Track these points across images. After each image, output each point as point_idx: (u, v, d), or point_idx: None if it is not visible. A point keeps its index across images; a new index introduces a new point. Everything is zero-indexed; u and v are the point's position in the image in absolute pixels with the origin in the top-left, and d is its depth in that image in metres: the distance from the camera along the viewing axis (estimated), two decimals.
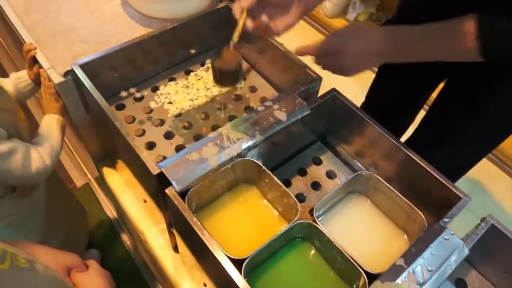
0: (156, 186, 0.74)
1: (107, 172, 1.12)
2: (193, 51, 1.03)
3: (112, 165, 1.12)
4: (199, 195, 0.74)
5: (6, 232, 0.95)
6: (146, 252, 1.11)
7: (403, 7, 1.04)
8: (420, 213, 0.73)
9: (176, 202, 0.68)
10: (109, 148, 1.11)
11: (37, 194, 0.99)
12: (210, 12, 1.02)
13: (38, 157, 0.84)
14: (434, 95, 1.17)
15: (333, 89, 0.89)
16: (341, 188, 0.78)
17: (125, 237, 1.56)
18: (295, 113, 0.82)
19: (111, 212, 1.62)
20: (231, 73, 0.88)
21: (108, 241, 1.56)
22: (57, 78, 0.88)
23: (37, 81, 0.95)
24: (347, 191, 0.82)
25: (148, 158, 0.72)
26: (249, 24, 0.76)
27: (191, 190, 0.71)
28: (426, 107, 1.26)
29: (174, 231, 0.88)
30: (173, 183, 0.69)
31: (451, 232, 0.68)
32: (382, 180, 0.77)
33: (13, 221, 0.94)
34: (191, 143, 0.93)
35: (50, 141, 0.89)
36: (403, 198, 0.75)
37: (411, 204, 0.74)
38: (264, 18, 0.76)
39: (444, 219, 0.71)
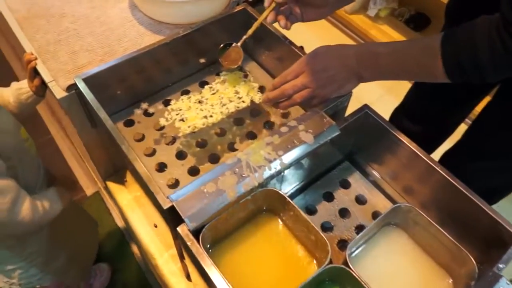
0: (167, 219, 0.66)
1: (115, 188, 1.04)
2: (207, 60, 0.94)
3: (121, 181, 1.04)
4: (215, 229, 0.66)
5: (2, 256, 0.88)
6: (157, 276, 1.04)
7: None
8: (470, 256, 0.63)
9: (189, 243, 0.60)
10: (118, 163, 1.04)
11: None
12: (226, 16, 0.92)
13: (29, 210, 0.76)
14: (478, 108, 1.08)
15: (365, 106, 0.79)
16: (376, 223, 0.69)
17: (136, 249, 1.48)
18: (323, 134, 0.72)
19: (121, 222, 1.55)
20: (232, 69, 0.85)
21: (118, 253, 1.49)
22: (59, 93, 0.80)
23: (39, 92, 0.87)
24: (382, 224, 0.73)
25: (159, 190, 0.64)
26: (270, 17, 0.78)
27: (206, 226, 0.63)
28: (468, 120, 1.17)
29: (186, 261, 0.80)
30: (186, 220, 0.61)
31: (507, 281, 0.59)
32: (424, 215, 0.68)
33: (10, 244, 0.87)
34: (205, 163, 0.84)
35: (50, 208, 0.84)
36: (449, 236, 0.65)
37: (459, 245, 0.64)
38: (297, 11, 0.78)
39: (499, 265, 0.61)
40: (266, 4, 0.78)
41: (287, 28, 0.79)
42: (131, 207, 1.00)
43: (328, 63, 0.72)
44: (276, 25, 0.96)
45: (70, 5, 0.96)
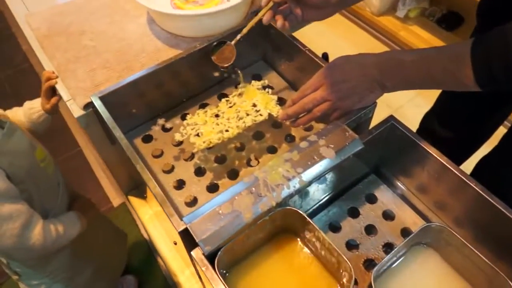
0: (182, 241, 0.64)
1: (137, 203, 1.04)
2: (225, 73, 0.92)
3: (142, 196, 1.04)
4: (231, 252, 0.63)
5: (25, 272, 0.88)
6: None
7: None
8: (508, 280, 0.58)
9: (204, 268, 0.57)
10: (138, 177, 1.03)
11: None
12: (243, 28, 0.90)
13: (41, 235, 0.75)
14: None
15: (391, 117, 0.75)
16: (405, 243, 0.64)
17: (161, 262, 1.48)
18: (345, 149, 0.68)
19: (147, 234, 1.55)
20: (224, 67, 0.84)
21: (145, 265, 1.49)
22: (77, 112, 0.80)
23: (52, 111, 0.86)
24: (412, 243, 0.68)
25: (173, 212, 0.62)
26: (266, 17, 0.74)
27: (221, 249, 0.60)
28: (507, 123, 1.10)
29: (204, 282, 0.77)
30: (200, 244, 0.58)
31: None
32: (457, 235, 0.63)
33: (31, 264, 0.87)
34: (224, 179, 0.82)
35: (64, 233, 0.82)
36: (484, 259, 0.60)
37: (495, 268, 0.59)
38: (298, 12, 0.74)
39: None
40: (263, 3, 0.74)
41: (284, 28, 0.75)
42: (153, 223, 0.99)
43: (347, 74, 0.68)
44: (295, 33, 0.93)
45: (89, 22, 0.96)
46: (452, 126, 1.12)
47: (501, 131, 1.09)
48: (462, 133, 1.13)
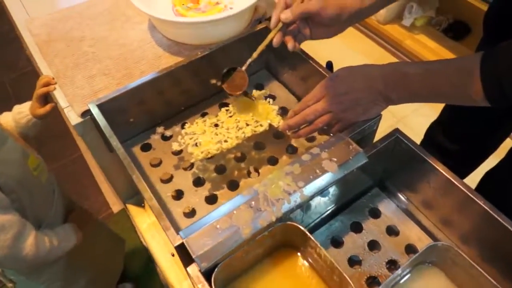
0: (178, 256, 0.62)
1: (135, 211, 1.01)
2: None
3: (140, 204, 1.02)
4: (229, 268, 0.61)
5: (20, 280, 0.87)
6: None
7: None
8: None
9: (200, 285, 0.55)
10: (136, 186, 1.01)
11: None
12: (247, 35, 0.88)
13: (33, 246, 0.73)
14: None
15: (396, 130, 0.72)
16: (410, 263, 0.62)
17: (160, 270, 1.46)
18: (348, 163, 0.66)
19: (145, 243, 1.52)
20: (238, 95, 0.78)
21: (143, 272, 1.47)
22: (74, 119, 0.78)
23: (43, 117, 0.83)
24: (416, 262, 0.66)
25: (169, 225, 0.60)
26: (277, 39, 0.72)
27: (219, 265, 0.58)
28: None
29: None
30: (196, 260, 0.56)
31: None
32: (464, 256, 0.60)
33: (25, 272, 0.85)
34: (223, 190, 0.79)
35: (59, 245, 0.81)
36: (493, 281, 0.57)
37: None
38: (307, 32, 0.73)
39: None
40: (272, 25, 0.72)
41: (295, 49, 0.74)
42: (150, 232, 0.97)
43: (351, 85, 0.66)
44: (308, 43, 0.91)
45: (89, 28, 0.94)
46: (457, 138, 1.10)
47: (507, 143, 1.07)
48: (468, 145, 1.10)
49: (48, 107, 0.80)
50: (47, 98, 0.82)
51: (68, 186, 1.70)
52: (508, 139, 1.11)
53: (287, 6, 0.72)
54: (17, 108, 0.84)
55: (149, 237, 0.97)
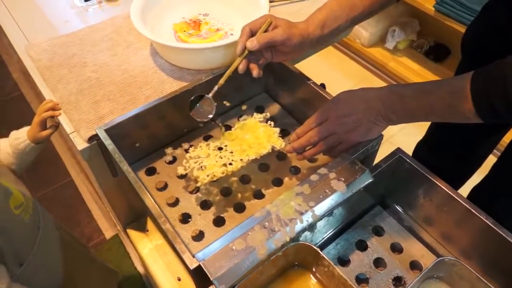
0: (193, 279, 0.62)
1: (136, 236, 1.01)
2: (229, 104, 0.92)
3: (142, 229, 1.01)
4: None
5: None
6: None
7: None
8: None
9: None
10: (139, 210, 1.01)
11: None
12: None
13: None
14: (506, 139, 1.03)
15: (398, 149, 0.75)
16: (418, 279, 0.63)
17: None
18: (356, 182, 0.69)
19: (141, 267, 1.50)
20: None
21: None
22: (81, 144, 0.78)
23: (42, 141, 0.82)
24: (424, 278, 0.67)
25: (185, 249, 0.60)
26: (242, 66, 0.75)
27: (236, 287, 0.59)
28: (496, 152, 1.12)
29: None
30: (215, 283, 0.57)
31: None
32: (471, 270, 0.62)
33: None
34: (230, 212, 0.80)
35: None
36: None
37: None
38: (268, 56, 0.78)
39: None
40: (238, 52, 0.75)
41: (259, 76, 0.78)
42: (153, 257, 0.96)
43: (353, 107, 0.70)
44: (297, 65, 0.94)
45: (92, 54, 0.96)
46: (442, 156, 1.14)
47: (491, 159, 1.11)
48: (453, 162, 1.14)
49: (48, 131, 0.80)
50: (45, 124, 0.81)
51: (58, 212, 1.66)
52: (491, 155, 1.16)
53: (252, 34, 0.76)
54: (14, 133, 0.83)
55: (151, 262, 0.96)
